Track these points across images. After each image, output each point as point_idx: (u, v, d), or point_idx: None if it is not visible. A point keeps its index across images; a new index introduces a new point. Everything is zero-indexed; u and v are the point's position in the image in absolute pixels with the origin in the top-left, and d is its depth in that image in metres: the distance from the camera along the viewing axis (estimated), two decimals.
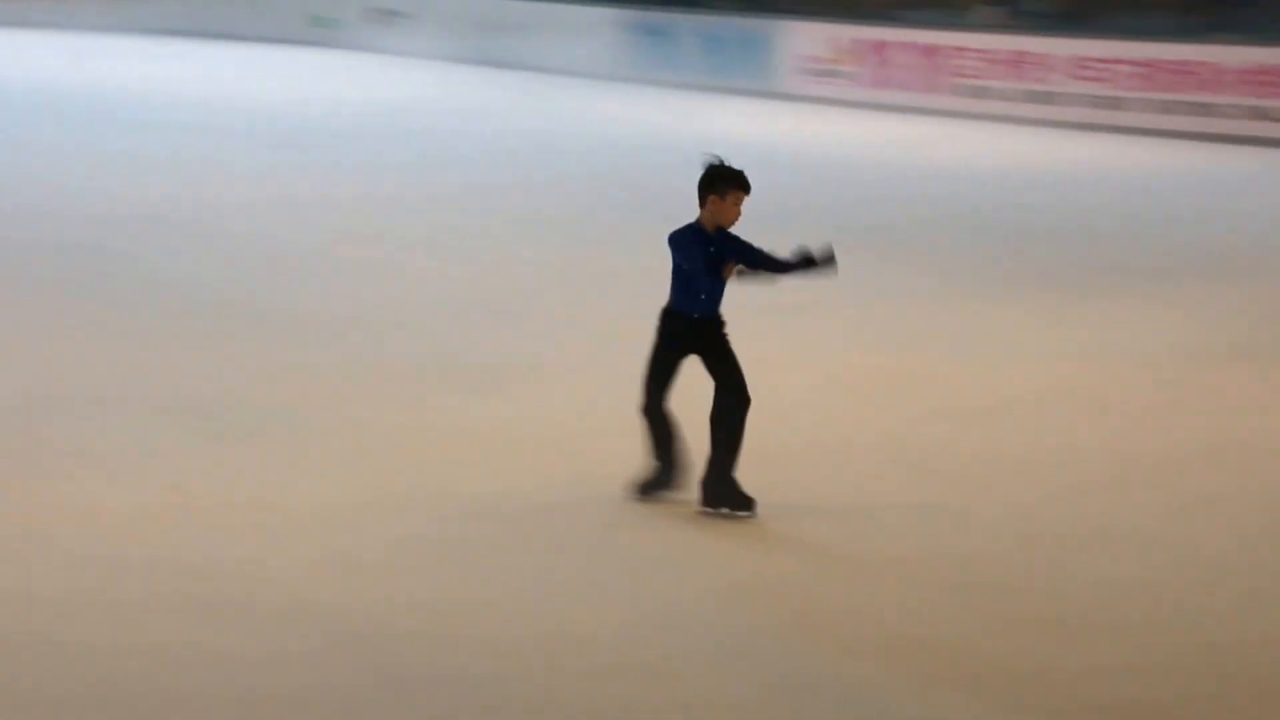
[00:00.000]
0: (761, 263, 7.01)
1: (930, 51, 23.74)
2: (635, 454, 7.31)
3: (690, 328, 7.02)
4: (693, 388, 7.15)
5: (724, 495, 7.07)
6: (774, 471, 7.48)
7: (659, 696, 5.57)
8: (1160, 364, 10.27)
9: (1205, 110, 20.92)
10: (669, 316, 7.05)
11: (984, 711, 5.60)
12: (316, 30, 33.58)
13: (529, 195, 16.38)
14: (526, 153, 19.59)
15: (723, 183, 6.92)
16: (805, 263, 6.99)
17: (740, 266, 6.99)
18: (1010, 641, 6.13)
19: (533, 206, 15.68)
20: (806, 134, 21.98)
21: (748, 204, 7.06)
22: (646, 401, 7.11)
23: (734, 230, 7.03)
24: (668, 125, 22.54)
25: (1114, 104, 21.70)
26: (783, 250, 7.12)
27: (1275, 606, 6.60)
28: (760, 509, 7.11)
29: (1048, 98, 22.40)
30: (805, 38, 25.46)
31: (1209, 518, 7.48)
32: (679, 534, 6.99)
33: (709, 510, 7.10)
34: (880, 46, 24.38)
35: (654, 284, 7.41)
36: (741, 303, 7.50)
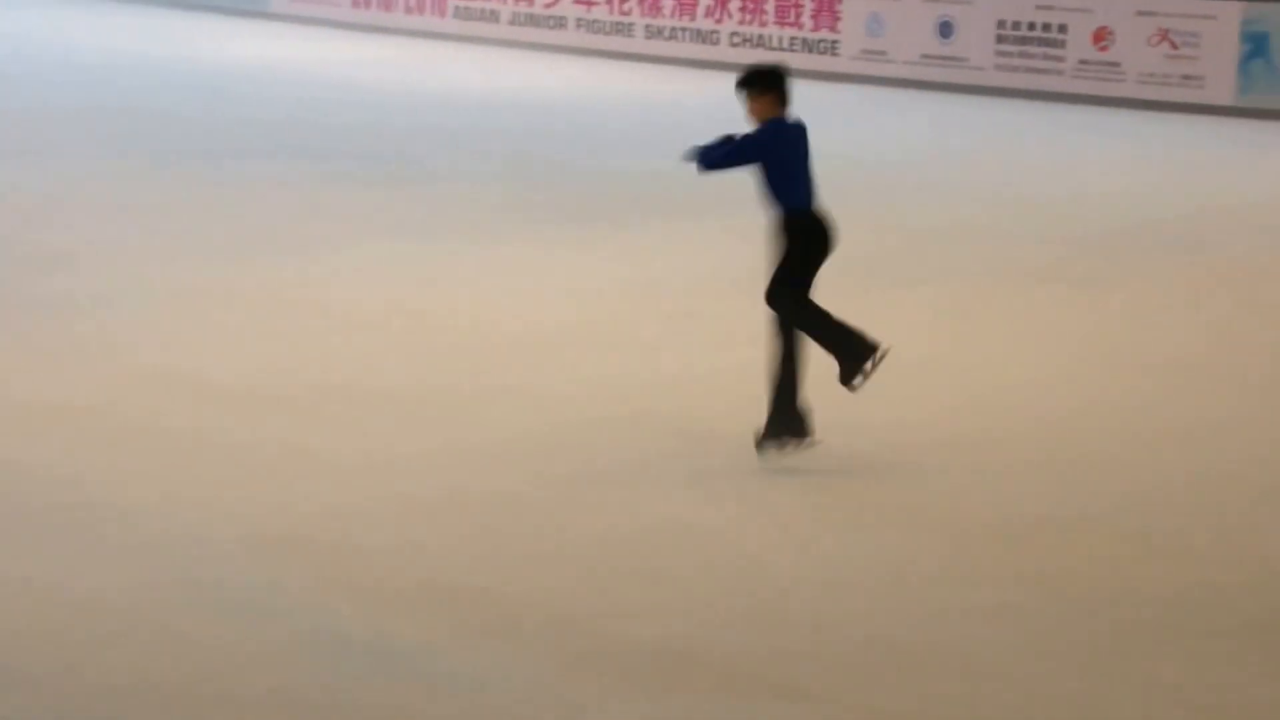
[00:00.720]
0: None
1: None
2: None
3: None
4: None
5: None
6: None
7: None
8: (664, 296, 10.04)
9: (706, 38, 20.83)
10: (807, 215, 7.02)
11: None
12: None
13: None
14: None
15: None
16: None
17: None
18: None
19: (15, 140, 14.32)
20: (294, 55, 20.79)
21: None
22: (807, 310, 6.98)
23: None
24: (143, 47, 20.96)
25: (618, 29, 21.38)
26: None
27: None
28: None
29: (550, 21, 21.88)
30: None
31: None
32: None
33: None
34: None
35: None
36: None
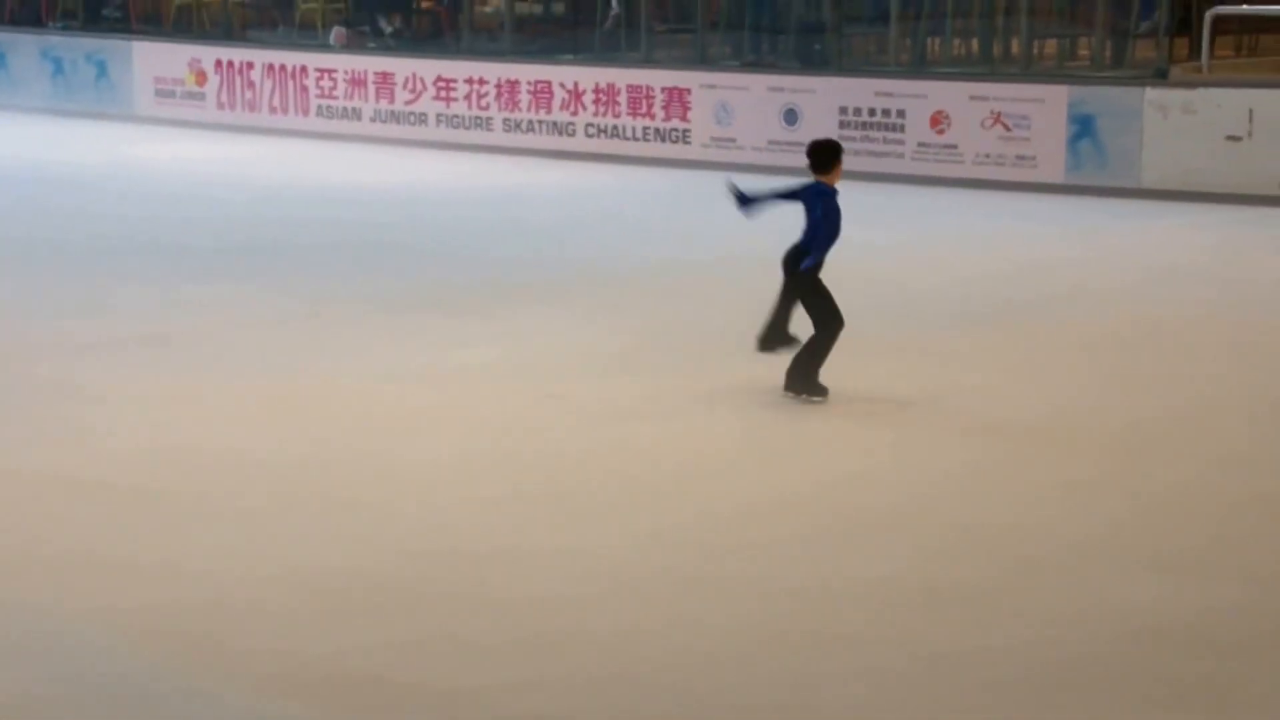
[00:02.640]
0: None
1: (292, 73, 23.05)
2: None
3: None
4: None
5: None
6: None
7: None
8: (530, 379, 10.22)
9: (562, 129, 21.22)
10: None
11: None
12: None
13: None
14: None
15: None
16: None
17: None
18: None
19: None
20: (156, 156, 20.87)
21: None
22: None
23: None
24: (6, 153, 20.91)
25: (477, 123, 21.71)
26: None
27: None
28: None
29: (411, 118, 22.17)
30: (158, 59, 24.23)
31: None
32: None
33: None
34: (240, 67, 23.47)
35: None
36: None
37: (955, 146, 18.81)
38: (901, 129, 19.04)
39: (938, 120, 18.89)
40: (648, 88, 20.61)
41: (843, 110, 19.29)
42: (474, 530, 7.54)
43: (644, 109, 20.65)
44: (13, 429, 9.05)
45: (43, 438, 8.88)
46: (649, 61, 21.56)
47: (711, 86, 20.28)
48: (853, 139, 18.95)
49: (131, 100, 24.39)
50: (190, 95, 23.76)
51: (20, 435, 8.93)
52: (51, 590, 6.78)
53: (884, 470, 8.52)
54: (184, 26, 25.87)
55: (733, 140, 20.03)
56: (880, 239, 14.94)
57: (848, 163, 10.09)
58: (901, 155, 19.01)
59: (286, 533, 7.45)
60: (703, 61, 21.15)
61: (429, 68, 22.15)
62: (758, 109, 19.90)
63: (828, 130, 18.39)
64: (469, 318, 11.99)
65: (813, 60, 20.79)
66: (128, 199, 17.32)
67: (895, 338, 11.37)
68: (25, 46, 25.65)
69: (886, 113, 19.13)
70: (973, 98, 18.72)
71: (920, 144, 18.95)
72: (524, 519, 7.72)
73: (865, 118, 19.20)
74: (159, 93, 24.19)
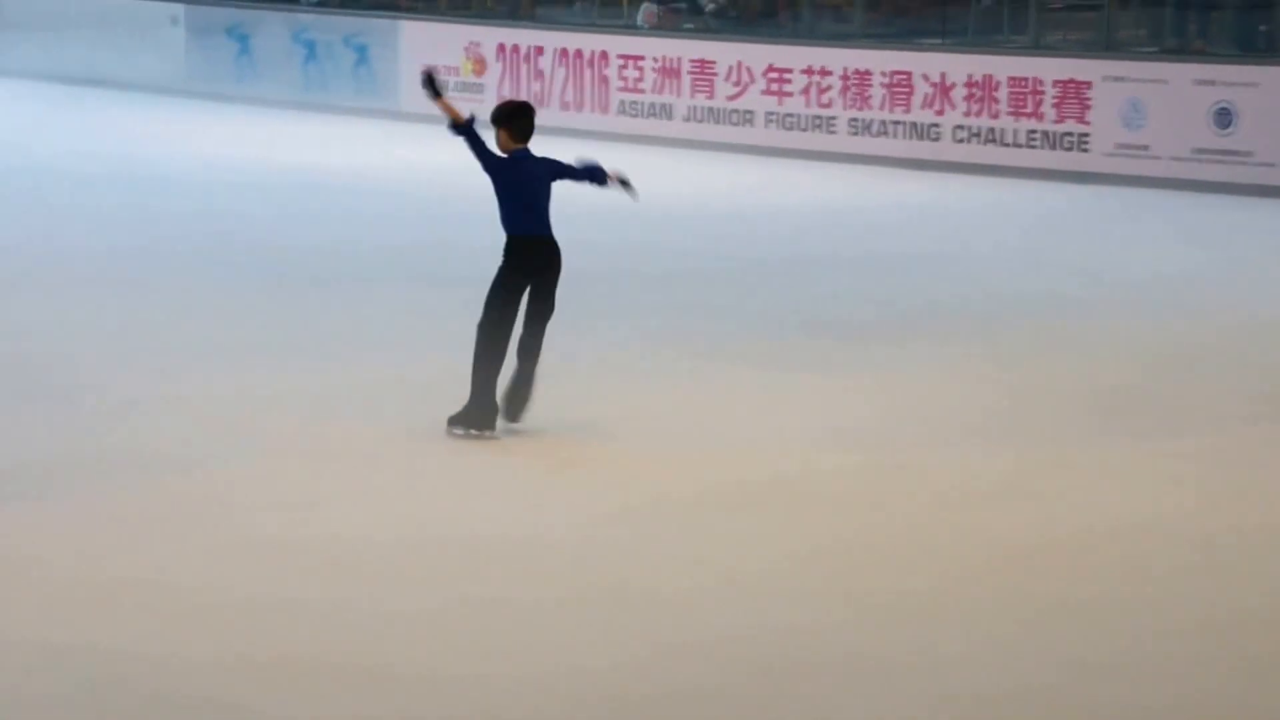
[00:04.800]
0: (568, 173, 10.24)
1: (589, 60, 23.49)
2: None
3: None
4: None
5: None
6: None
7: None
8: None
9: (924, 132, 21.11)
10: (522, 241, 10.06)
11: None
12: None
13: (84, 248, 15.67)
14: (72, 194, 18.64)
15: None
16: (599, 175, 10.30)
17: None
18: None
19: (95, 267, 15.04)
20: (423, 160, 21.43)
21: None
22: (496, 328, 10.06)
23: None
24: (250, 154, 21.80)
25: (816, 124, 21.77)
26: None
27: None
28: None
29: (734, 116, 22.33)
30: (429, 42, 24.95)
31: None
32: None
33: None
34: (527, 53, 24.02)
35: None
36: None
37: None
38: None
39: None
40: (1035, 80, 20.36)
41: None
42: (808, 638, 7.54)
43: (1030, 107, 20.40)
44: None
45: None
46: (1038, 48, 21.27)
47: (1119, 79, 19.90)
48: None
49: (396, 92, 25.10)
50: (466, 87, 24.35)
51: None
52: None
53: None
54: (461, 3, 26.61)
55: (1145, 148, 19.63)
56: None
57: None
58: None
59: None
60: (1108, 47, 20.80)
61: (758, 54, 22.28)
62: (1180, 107, 19.47)
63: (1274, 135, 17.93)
64: (790, 367, 12.05)
65: (1255, 45, 20.26)
66: (399, 213, 17.82)
67: None
68: (273, 26, 26.64)
69: None
70: None
71: None
72: (854, 624, 7.68)
73: None
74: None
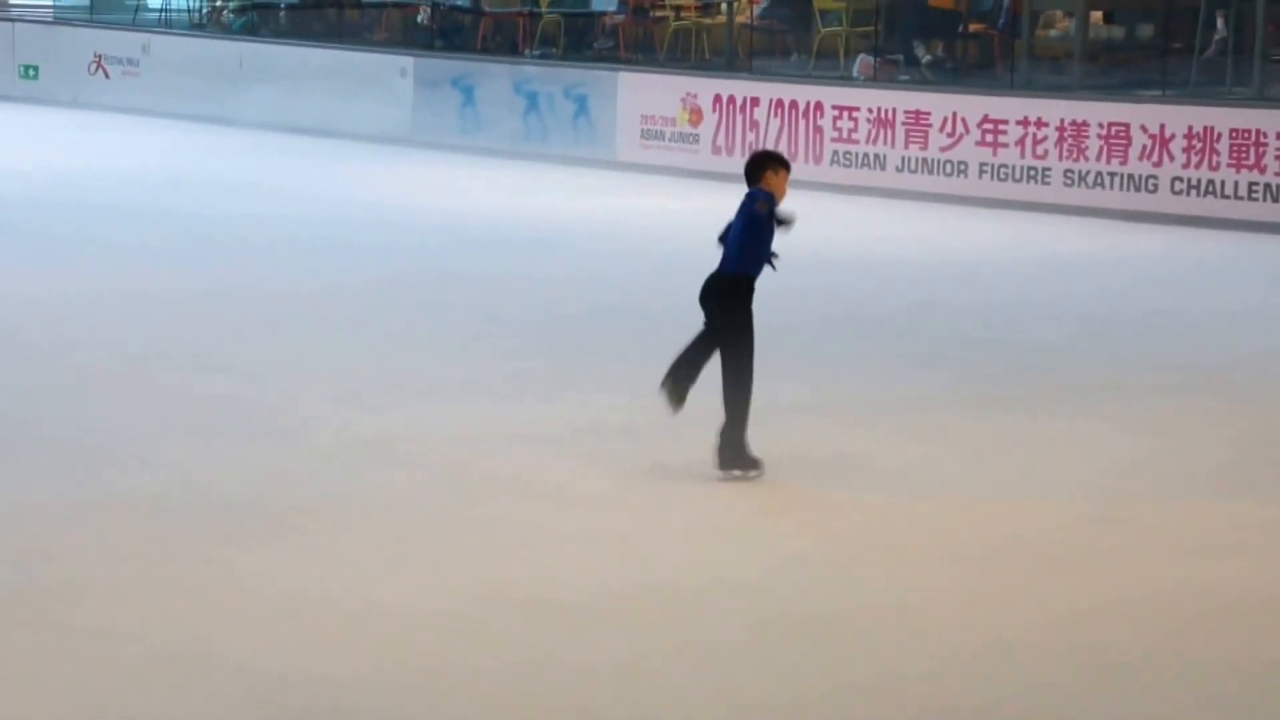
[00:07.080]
0: None
1: (804, 110, 23.63)
2: None
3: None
4: None
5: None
6: None
7: None
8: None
9: (1141, 184, 20.98)
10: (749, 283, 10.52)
11: None
12: (25, 83, 32.72)
13: (309, 291, 16.10)
14: (297, 239, 19.09)
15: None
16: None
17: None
18: None
19: (320, 308, 15.39)
20: (640, 209, 21.66)
21: None
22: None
23: None
24: (471, 200, 22.15)
25: (1031, 175, 21.72)
26: None
27: None
28: None
29: (947, 167, 22.35)
30: (647, 93, 25.25)
31: None
32: None
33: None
34: (743, 103, 24.22)
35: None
36: None
37: None
38: None
39: None
40: (1259, 133, 20.11)
41: None
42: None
43: (1252, 160, 20.18)
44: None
45: None
46: (1262, 99, 21.05)
47: None
48: None
49: (613, 142, 25.42)
50: (681, 137, 24.63)
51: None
52: None
53: None
54: (678, 55, 26.90)
55: None
56: None
57: None
58: None
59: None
60: None
61: (973, 105, 22.25)
62: None
63: None
64: (1003, 418, 12.07)
65: None
66: (618, 262, 17.96)
67: None
68: (497, 79, 27.08)
69: None
70: None
71: None
72: (1064, 690, 7.71)
73: None
74: (645, 133, 25.13)
